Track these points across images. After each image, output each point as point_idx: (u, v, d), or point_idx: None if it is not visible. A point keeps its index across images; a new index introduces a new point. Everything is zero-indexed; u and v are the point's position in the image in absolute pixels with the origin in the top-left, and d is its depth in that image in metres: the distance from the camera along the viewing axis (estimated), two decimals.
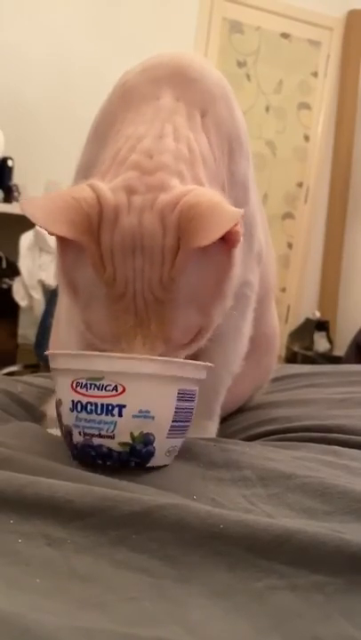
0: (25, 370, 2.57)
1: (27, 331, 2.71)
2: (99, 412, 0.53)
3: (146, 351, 0.55)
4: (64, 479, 0.49)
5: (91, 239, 0.53)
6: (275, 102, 3.67)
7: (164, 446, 0.55)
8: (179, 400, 0.55)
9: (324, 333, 3.59)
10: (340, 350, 3.46)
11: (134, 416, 0.53)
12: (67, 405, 0.55)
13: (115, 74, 0.72)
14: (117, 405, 0.53)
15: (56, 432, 0.66)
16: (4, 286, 2.68)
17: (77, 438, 0.55)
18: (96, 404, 0.53)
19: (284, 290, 3.77)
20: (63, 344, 0.78)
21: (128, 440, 0.53)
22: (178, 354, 0.59)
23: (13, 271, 2.60)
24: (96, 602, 0.36)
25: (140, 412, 0.53)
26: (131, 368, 0.53)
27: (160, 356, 0.56)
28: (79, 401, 0.54)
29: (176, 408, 0.55)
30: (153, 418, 0.53)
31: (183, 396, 0.55)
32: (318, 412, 0.86)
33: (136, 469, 0.55)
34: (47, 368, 0.65)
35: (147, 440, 0.54)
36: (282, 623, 0.36)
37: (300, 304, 3.84)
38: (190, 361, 0.57)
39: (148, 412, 0.53)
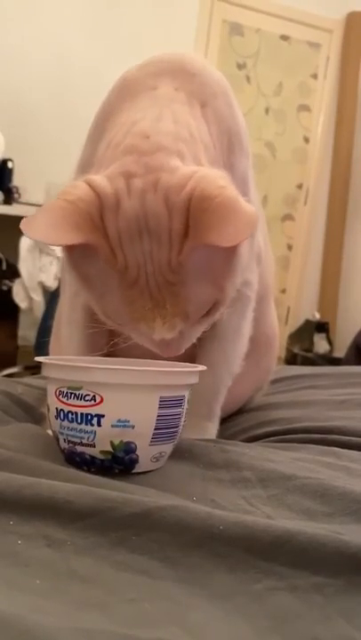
0: (25, 371, 2.57)
1: (27, 332, 2.71)
2: (79, 421, 0.54)
3: (165, 330, 0.55)
4: (64, 480, 0.49)
5: (98, 235, 0.52)
6: (274, 104, 3.68)
7: (148, 453, 0.55)
8: (161, 408, 0.54)
9: (323, 335, 3.59)
10: (340, 352, 3.46)
11: (113, 425, 0.53)
12: (52, 412, 0.56)
13: (115, 76, 0.72)
14: (96, 415, 0.53)
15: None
16: (4, 288, 2.68)
17: (63, 445, 0.56)
18: (76, 414, 0.54)
19: (283, 291, 3.77)
20: (64, 345, 0.78)
21: (109, 449, 0.54)
22: (196, 329, 0.58)
23: (13, 273, 2.60)
24: (96, 603, 0.36)
25: (120, 421, 0.53)
26: (107, 378, 0.53)
27: (179, 332, 0.55)
28: (62, 409, 0.55)
29: (158, 416, 0.54)
30: (133, 427, 0.53)
31: (166, 402, 0.55)
32: (318, 413, 0.86)
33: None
34: None
35: (128, 448, 0.54)
36: (282, 624, 0.36)
37: (300, 305, 3.84)
38: (173, 369, 0.56)
39: (128, 421, 0.53)
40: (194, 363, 0.67)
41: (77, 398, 0.54)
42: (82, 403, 0.53)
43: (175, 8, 3.33)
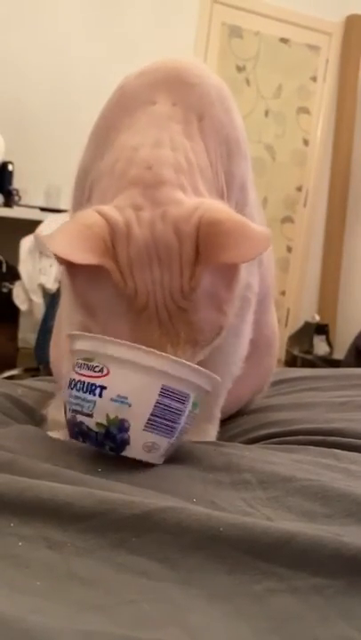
0: (25, 373, 2.57)
1: (27, 334, 2.71)
2: (84, 390, 0.56)
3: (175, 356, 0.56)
4: (64, 482, 0.49)
5: (109, 260, 0.55)
6: (274, 107, 3.68)
7: (140, 438, 0.56)
8: (162, 396, 0.55)
9: (323, 337, 3.59)
10: (339, 354, 3.46)
11: (112, 399, 0.55)
12: (66, 384, 0.59)
13: (114, 79, 0.72)
14: (99, 386, 0.55)
15: (56, 435, 0.66)
16: (5, 290, 2.68)
17: (68, 415, 0.59)
18: (83, 383, 0.57)
19: (283, 293, 3.77)
20: (65, 347, 0.78)
21: (104, 422, 0.56)
22: (198, 356, 0.60)
23: (13, 275, 2.60)
24: (96, 604, 0.36)
25: (119, 396, 0.55)
26: (117, 352, 0.55)
27: (187, 357, 0.57)
28: (73, 379, 0.58)
29: (157, 402, 0.55)
30: (130, 405, 0.55)
31: (168, 393, 0.56)
32: (318, 415, 0.86)
33: (135, 467, 0.56)
34: (47, 371, 0.65)
35: (121, 426, 0.55)
36: (281, 625, 0.36)
37: (300, 307, 3.84)
38: (183, 361, 0.57)
39: (126, 398, 0.55)
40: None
41: (88, 369, 0.56)
42: (90, 373, 0.56)
43: (175, 11, 3.34)
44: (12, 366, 2.73)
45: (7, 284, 2.68)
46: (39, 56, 3.11)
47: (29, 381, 1.08)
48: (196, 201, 0.57)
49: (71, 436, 0.59)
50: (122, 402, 0.55)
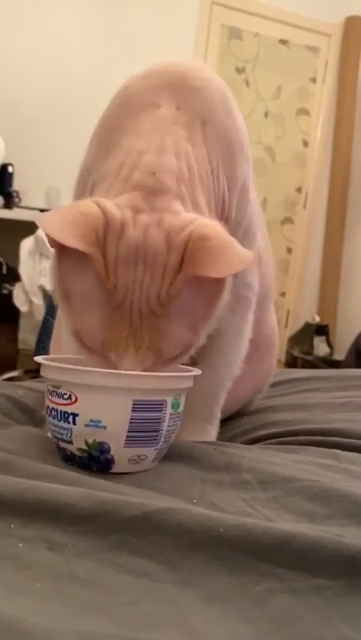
0: (25, 375, 2.57)
1: (27, 336, 2.71)
2: (58, 418, 0.57)
3: (135, 362, 0.57)
4: (65, 483, 0.49)
5: (98, 250, 0.56)
6: (274, 108, 3.69)
7: (124, 455, 0.56)
8: (135, 411, 0.55)
9: (323, 338, 3.59)
10: (340, 354, 3.46)
11: (86, 425, 0.55)
12: (45, 410, 0.60)
13: (114, 81, 0.73)
14: (71, 414, 0.56)
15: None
16: (5, 292, 2.68)
17: (53, 440, 0.60)
18: (57, 411, 0.57)
19: (283, 294, 3.77)
20: (64, 348, 0.78)
21: (84, 447, 0.56)
22: (165, 367, 0.60)
23: (14, 277, 2.60)
24: (96, 605, 0.36)
25: (92, 421, 0.55)
26: (79, 379, 0.56)
27: (147, 368, 0.57)
28: (48, 406, 0.59)
29: (132, 419, 0.55)
30: (105, 428, 0.55)
31: (141, 406, 0.55)
32: (318, 415, 0.86)
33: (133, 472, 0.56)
34: None
35: (102, 448, 0.55)
36: (282, 627, 0.36)
37: (300, 308, 3.84)
38: (147, 373, 0.57)
39: (99, 421, 0.55)
40: (195, 366, 0.67)
41: (58, 396, 0.57)
42: (61, 400, 0.57)
43: (174, 13, 3.35)
44: (13, 368, 2.73)
45: (7, 285, 2.68)
46: (39, 58, 3.11)
47: (30, 383, 1.08)
48: (193, 215, 0.59)
49: (62, 459, 0.59)
50: (96, 426, 0.55)
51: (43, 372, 0.59)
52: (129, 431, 0.55)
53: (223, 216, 0.68)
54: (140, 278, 0.56)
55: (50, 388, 0.58)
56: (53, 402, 0.58)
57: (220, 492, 0.54)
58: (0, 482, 0.48)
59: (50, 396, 0.58)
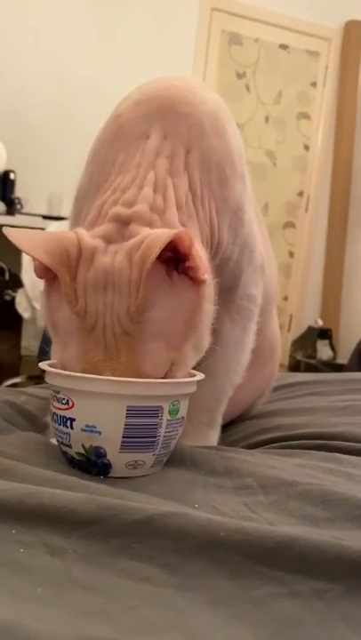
0: (28, 381, 2.57)
1: (30, 342, 2.71)
2: (59, 422, 0.59)
3: None
4: (66, 489, 0.49)
5: (65, 271, 0.58)
6: (274, 113, 3.70)
7: (120, 460, 0.57)
8: (129, 417, 0.56)
9: (326, 341, 3.58)
10: (343, 358, 3.45)
11: (82, 430, 0.56)
12: (51, 415, 0.61)
13: (115, 87, 0.73)
14: (69, 418, 0.57)
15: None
16: (7, 298, 2.69)
17: (58, 444, 0.61)
18: (58, 415, 0.59)
19: (286, 298, 3.77)
20: (65, 361, 0.78)
21: (82, 451, 0.57)
22: None
23: (16, 283, 2.61)
24: (97, 610, 0.36)
25: (87, 426, 0.56)
26: (74, 385, 0.57)
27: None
28: (51, 410, 0.61)
29: (126, 425, 0.56)
30: (100, 433, 0.56)
31: (135, 412, 0.56)
32: (320, 419, 0.86)
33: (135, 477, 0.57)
34: None
35: (98, 453, 0.56)
36: (283, 630, 0.36)
37: (303, 312, 3.84)
38: (141, 380, 0.57)
39: (95, 426, 0.56)
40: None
41: (58, 401, 0.59)
42: (60, 405, 0.58)
43: (175, 19, 3.36)
44: (15, 374, 2.73)
45: (10, 291, 2.68)
46: (40, 65, 3.13)
47: (32, 389, 1.08)
48: (151, 230, 0.60)
49: (66, 462, 0.60)
50: (91, 431, 0.56)
51: (46, 378, 0.61)
52: (124, 437, 0.56)
53: (213, 237, 0.69)
54: (110, 301, 0.57)
55: (52, 393, 0.60)
56: (55, 407, 0.59)
57: (221, 497, 0.54)
58: (1, 487, 0.48)
59: (52, 401, 0.60)
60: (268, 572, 0.40)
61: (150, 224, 0.61)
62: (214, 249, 0.69)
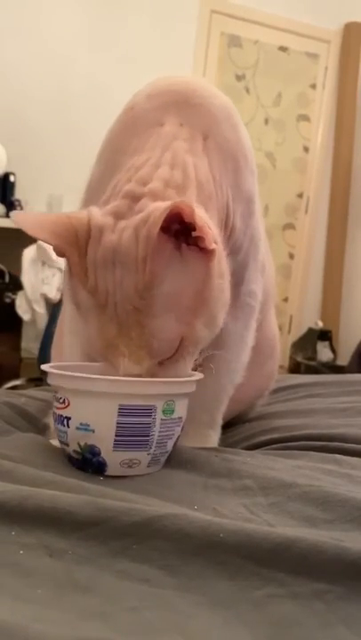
0: (28, 383, 2.57)
1: (30, 344, 2.71)
2: (57, 421, 0.60)
3: (131, 364, 0.57)
4: (66, 490, 0.49)
5: (73, 250, 0.58)
6: (274, 114, 3.70)
7: (114, 458, 0.57)
8: (121, 415, 0.56)
9: (327, 343, 3.58)
10: (343, 360, 3.45)
11: (77, 428, 0.58)
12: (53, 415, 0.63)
13: (115, 89, 0.74)
14: (65, 417, 0.59)
15: (58, 443, 0.67)
16: (7, 300, 2.68)
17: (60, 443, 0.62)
18: (56, 415, 0.60)
19: (286, 300, 3.77)
20: (66, 354, 0.78)
21: (78, 449, 0.58)
22: (166, 369, 0.59)
23: (16, 285, 2.60)
24: (97, 612, 0.36)
25: (81, 424, 0.57)
26: (68, 384, 0.58)
27: (147, 370, 0.58)
28: (52, 410, 0.62)
29: (118, 423, 0.56)
30: (93, 431, 0.57)
31: (127, 411, 0.56)
32: (320, 421, 0.86)
33: (135, 474, 0.58)
34: None
35: (92, 451, 0.57)
36: (282, 631, 0.36)
37: (303, 314, 3.84)
38: (132, 378, 0.58)
39: (88, 425, 0.57)
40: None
41: (57, 401, 0.60)
42: (59, 405, 0.60)
43: (174, 21, 3.37)
44: (16, 376, 2.73)
45: (10, 294, 2.68)
46: (40, 67, 3.13)
47: (32, 391, 1.09)
48: (156, 204, 0.58)
49: (67, 460, 0.61)
50: (85, 429, 0.57)
51: (48, 378, 0.62)
52: (117, 435, 0.57)
53: (228, 223, 0.69)
54: (119, 278, 0.57)
55: (53, 392, 0.61)
56: (55, 406, 0.61)
57: (221, 498, 0.54)
58: (1, 489, 0.48)
59: (54, 402, 0.61)
60: (268, 573, 0.40)
61: (163, 199, 0.60)
62: (228, 234, 0.69)
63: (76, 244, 0.58)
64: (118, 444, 0.57)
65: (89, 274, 0.58)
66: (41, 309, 2.48)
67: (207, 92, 0.71)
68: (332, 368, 3.28)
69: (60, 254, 0.59)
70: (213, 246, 0.58)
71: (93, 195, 0.69)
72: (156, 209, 0.56)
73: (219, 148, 0.67)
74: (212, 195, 0.65)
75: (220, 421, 0.78)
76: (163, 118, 0.67)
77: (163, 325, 0.57)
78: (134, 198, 0.60)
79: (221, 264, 0.61)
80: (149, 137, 0.66)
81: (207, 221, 0.59)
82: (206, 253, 0.58)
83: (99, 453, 0.57)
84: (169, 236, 0.57)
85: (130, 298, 0.57)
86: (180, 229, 0.57)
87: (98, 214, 0.60)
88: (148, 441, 0.58)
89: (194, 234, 0.57)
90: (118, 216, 0.59)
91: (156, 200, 0.59)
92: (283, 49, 3.67)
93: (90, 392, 0.57)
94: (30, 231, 0.57)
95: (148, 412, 0.57)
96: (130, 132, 0.69)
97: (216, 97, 0.71)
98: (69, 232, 0.58)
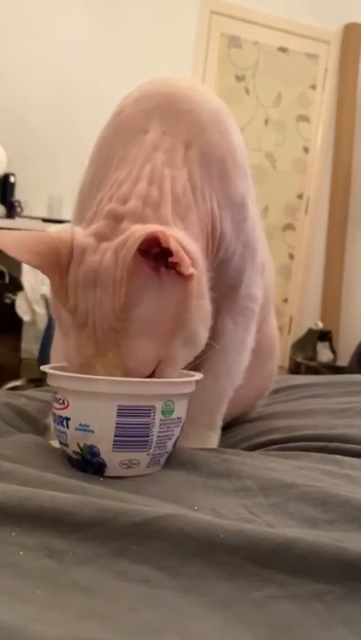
0: (28, 384, 2.57)
1: (30, 345, 2.71)
2: (57, 422, 0.60)
3: None
4: (66, 491, 0.49)
5: (55, 270, 0.59)
6: (274, 115, 3.70)
7: (113, 459, 0.57)
8: (120, 416, 0.56)
9: (327, 343, 3.58)
10: (343, 360, 3.45)
11: (77, 429, 0.58)
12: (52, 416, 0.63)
13: (115, 91, 0.73)
14: (65, 418, 0.59)
15: (58, 444, 0.67)
16: (7, 301, 2.69)
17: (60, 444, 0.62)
18: (56, 415, 0.61)
19: (286, 301, 3.77)
20: (66, 355, 0.79)
21: (78, 450, 0.58)
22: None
23: (16, 286, 2.61)
24: (97, 613, 0.36)
25: (81, 425, 0.58)
26: (67, 385, 0.59)
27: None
28: (52, 411, 0.63)
29: (117, 424, 0.57)
30: (93, 432, 0.57)
31: (126, 412, 0.57)
32: (320, 421, 0.86)
33: (135, 475, 0.58)
34: None
35: (92, 452, 0.57)
36: (282, 632, 0.36)
37: (303, 315, 3.84)
38: (131, 379, 0.58)
39: (88, 425, 0.57)
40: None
41: (56, 402, 0.61)
42: (58, 406, 0.60)
43: (174, 23, 3.37)
44: (16, 377, 2.73)
45: (10, 295, 2.68)
46: (40, 68, 3.14)
47: (32, 392, 1.09)
48: (136, 227, 0.59)
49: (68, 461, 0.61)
50: (85, 430, 0.57)
51: (48, 379, 0.62)
52: (116, 435, 0.57)
53: (215, 230, 0.69)
54: (99, 299, 0.58)
55: (52, 394, 0.62)
56: (54, 407, 0.61)
57: (220, 499, 0.54)
58: (1, 490, 0.48)
59: (53, 403, 0.62)
60: (268, 573, 0.40)
61: (143, 220, 0.61)
62: (217, 241, 0.69)
63: (58, 264, 0.59)
64: (118, 445, 0.57)
65: (69, 294, 0.59)
66: (41, 310, 2.48)
67: (198, 95, 0.70)
68: (333, 369, 3.28)
69: (42, 272, 0.60)
70: (191, 271, 0.59)
71: (85, 201, 0.71)
72: (134, 232, 0.57)
73: (202, 155, 0.67)
74: (190, 205, 0.65)
75: (220, 423, 0.78)
76: (147, 125, 0.67)
77: (138, 346, 0.58)
78: (116, 219, 0.62)
79: (201, 284, 0.62)
80: (133, 147, 0.67)
81: (186, 244, 0.60)
82: (184, 277, 0.59)
83: (98, 454, 0.57)
84: (147, 259, 0.58)
85: (107, 318, 0.57)
86: (159, 252, 0.58)
87: (81, 235, 0.61)
88: (147, 441, 0.58)
89: (170, 259, 0.58)
90: (101, 237, 0.60)
91: (135, 222, 0.60)
92: (283, 50, 3.67)
93: (89, 393, 0.57)
94: (10, 252, 0.57)
95: (147, 412, 0.57)
96: (117, 139, 0.69)
97: (207, 101, 0.71)
98: (51, 251, 0.58)
